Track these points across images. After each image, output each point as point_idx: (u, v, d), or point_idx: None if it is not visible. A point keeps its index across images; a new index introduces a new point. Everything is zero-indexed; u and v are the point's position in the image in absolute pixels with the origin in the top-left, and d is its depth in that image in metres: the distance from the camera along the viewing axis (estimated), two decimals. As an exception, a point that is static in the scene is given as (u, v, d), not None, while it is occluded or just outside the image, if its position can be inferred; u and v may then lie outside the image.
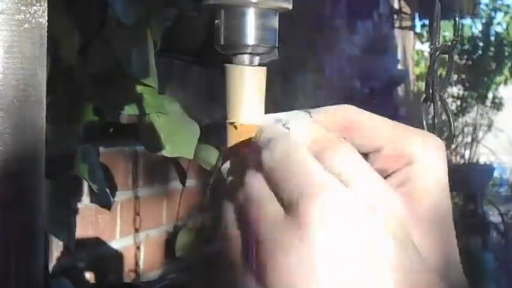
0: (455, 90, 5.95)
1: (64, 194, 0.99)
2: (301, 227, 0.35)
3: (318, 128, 0.40)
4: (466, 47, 5.90)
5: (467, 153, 5.81)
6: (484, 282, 4.48)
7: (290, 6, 0.43)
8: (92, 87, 0.96)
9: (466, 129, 5.89)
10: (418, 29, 7.82)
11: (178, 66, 1.84)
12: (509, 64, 6.26)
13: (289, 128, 0.40)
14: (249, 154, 0.40)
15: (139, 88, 0.96)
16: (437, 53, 0.58)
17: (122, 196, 1.63)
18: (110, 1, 0.88)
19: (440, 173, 0.41)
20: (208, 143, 1.25)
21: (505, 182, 8.33)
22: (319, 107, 0.43)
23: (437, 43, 0.58)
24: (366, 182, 0.37)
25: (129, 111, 0.97)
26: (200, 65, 1.93)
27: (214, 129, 0.97)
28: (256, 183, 0.38)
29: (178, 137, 0.99)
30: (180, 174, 1.43)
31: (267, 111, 0.43)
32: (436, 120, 0.58)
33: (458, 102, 5.94)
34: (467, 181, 5.20)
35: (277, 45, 0.43)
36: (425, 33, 7.68)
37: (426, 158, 0.41)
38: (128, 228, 1.69)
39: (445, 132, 0.58)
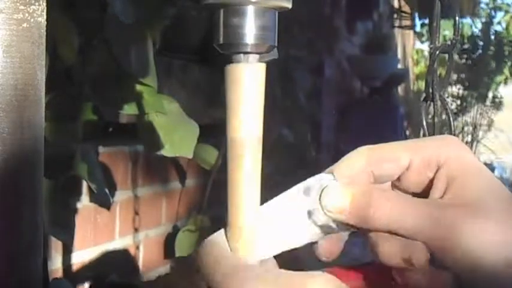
0: (455, 89, 5.95)
1: (63, 194, 0.98)
2: None
3: (346, 193, 0.42)
4: (466, 46, 5.89)
5: (467, 153, 5.80)
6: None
7: (290, 5, 0.43)
8: (91, 86, 0.96)
9: (466, 129, 5.89)
10: (418, 28, 7.82)
11: (177, 65, 1.83)
12: (509, 63, 6.27)
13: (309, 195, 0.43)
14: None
15: (138, 87, 0.96)
16: (437, 52, 0.57)
17: (121, 196, 1.63)
18: (109, 1, 0.88)
19: (471, 157, 0.42)
20: (207, 143, 1.25)
21: (505, 181, 8.32)
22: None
23: (437, 42, 0.58)
24: None
25: (129, 110, 0.97)
26: (199, 64, 1.93)
27: (213, 129, 0.97)
28: None
29: (178, 136, 0.99)
30: (179, 174, 1.43)
31: (266, 111, 0.43)
32: (436, 120, 0.57)
33: (458, 102, 5.94)
34: (467, 181, 5.19)
35: (276, 45, 0.43)
36: (425, 33, 7.69)
37: (454, 152, 0.42)
38: (127, 228, 1.69)
39: (445, 131, 0.58)
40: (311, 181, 0.44)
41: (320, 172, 0.46)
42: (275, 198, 0.45)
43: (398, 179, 0.44)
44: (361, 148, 0.44)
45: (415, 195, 0.43)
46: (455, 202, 0.40)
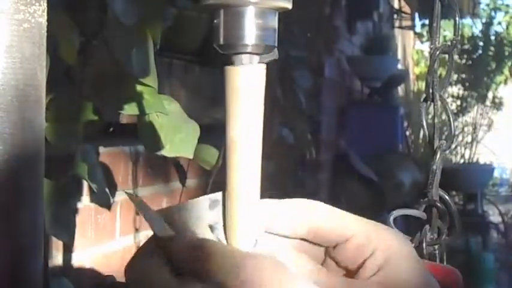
0: (455, 90, 5.94)
1: (64, 194, 0.98)
2: None
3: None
4: (466, 46, 5.89)
5: (467, 153, 5.81)
6: (484, 282, 4.48)
7: (290, 6, 0.43)
8: (91, 86, 0.96)
9: (466, 129, 5.88)
10: (418, 29, 7.82)
11: (178, 66, 1.83)
12: (510, 64, 6.26)
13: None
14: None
15: (139, 88, 0.96)
16: (438, 52, 0.58)
17: (121, 196, 1.63)
18: (110, 1, 0.88)
19: (408, 248, 0.45)
20: (208, 143, 1.25)
21: (505, 181, 8.33)
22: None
23: (437, 43, 0.58)
24: None
25: (129, 110, 0.97)
26: (200, 65, 1.93)
27: (214, 129, 0.97)
28: None
29: (178, 136, 0.99)
30: (180, 174, 1.43)
31: (266, 111, 0.43)
32: (436, 120, 0.58)
33: (458, 102, 5.93)
34: (467, 181, 5.20)
35: (276, 45, 0.43)
36: (425, 33, 7.68)
37: (392, 242, 0.45)
38: (128, 228, 1.69)
39: (445, 131, 0.58)
40: (218, 195, 0.44)
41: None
42: (182, 204, 0.45)
43: (335, 247, 0.45)
44: (314, 202, 0.46)
45: (347, 271, 0.46)
46: (386, 281, 0.43)
